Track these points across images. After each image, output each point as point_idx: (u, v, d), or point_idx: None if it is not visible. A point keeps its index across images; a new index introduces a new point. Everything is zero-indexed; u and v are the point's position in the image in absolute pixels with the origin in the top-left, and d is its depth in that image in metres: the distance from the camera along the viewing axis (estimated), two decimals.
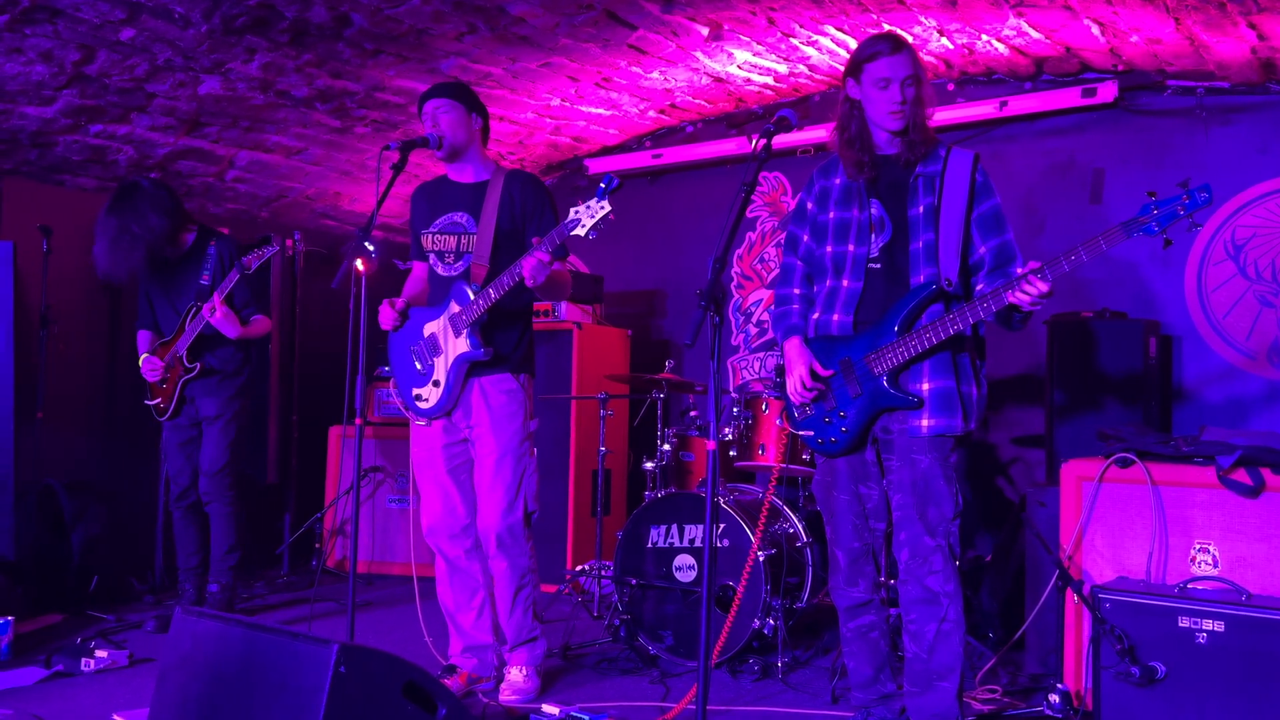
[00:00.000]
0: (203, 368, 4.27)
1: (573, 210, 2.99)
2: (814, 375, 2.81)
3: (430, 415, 3.37)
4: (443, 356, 3.33)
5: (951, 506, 2.72)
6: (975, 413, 2.76)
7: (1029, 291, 2.51)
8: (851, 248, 2.81)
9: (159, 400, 4.35)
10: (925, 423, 2.70)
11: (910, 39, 4.36)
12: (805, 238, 2.95)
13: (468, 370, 3.31)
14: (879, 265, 2.79)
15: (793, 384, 2.86)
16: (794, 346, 2.89)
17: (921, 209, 2.75)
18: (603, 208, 2.94)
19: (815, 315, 2.89)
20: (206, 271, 4.28)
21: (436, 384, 3.34)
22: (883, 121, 2.76)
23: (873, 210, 2.81)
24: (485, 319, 3.26)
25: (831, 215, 2.87)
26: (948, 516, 2.71)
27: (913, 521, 2.72)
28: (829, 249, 2.86)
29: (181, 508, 4.39)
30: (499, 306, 3.24)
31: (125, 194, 4.20)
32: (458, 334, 3.28)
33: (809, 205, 2.95)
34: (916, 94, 2.74)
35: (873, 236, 2.80)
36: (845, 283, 2.81)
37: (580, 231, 2.97)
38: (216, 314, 4.11)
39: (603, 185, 2.95)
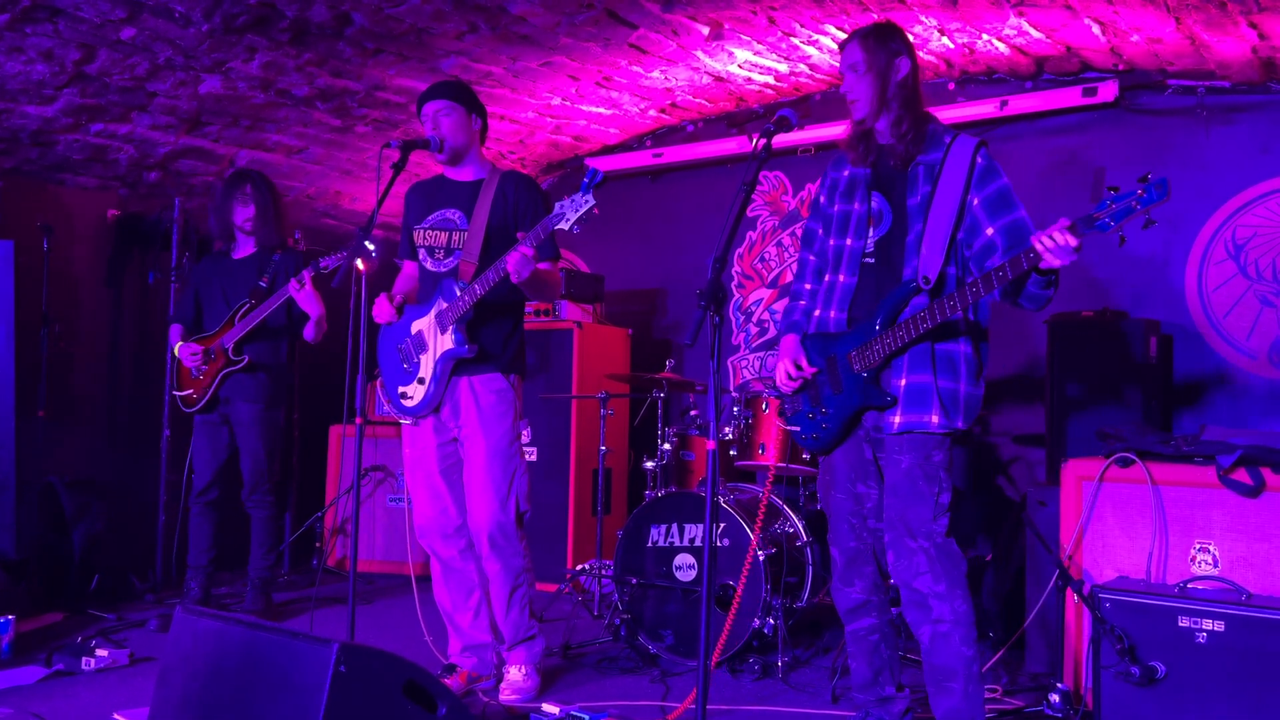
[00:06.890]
0: (249, 361, 4.28)
1: (557, 205, 3.01)
2: (798, 368, 2.82)
3: (415, 413, 3.36)
4: (429, 353, 3.32)
5: (931, 508, 2.65)
6: (962, 410, 2.67)
7: (1053, 241, 2.33)
8: (849, 241, 2.80)
9: (190, 391, 4.35)
10: (897, 419, 2.67)
11: (911, 38, 4.37)
12: (820, 231, 2.93)
13: (453, 368, 3.30)
14: (873, 259, 2.76)
15: (779, 376, 2.89)
16: (787, 342, 2.91)
17: (919, 198, 2.69)
18: (587, 201, 2.95)
19: (816, 312, 2.88)
20: (267, 275, 4.32)
21: (421, 381, 3.33)
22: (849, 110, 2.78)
23: (873, 202, 2.78)
24: (471, 315, 3.25)
25: (836, 208, 2.86)
26: (927, 518, 2.65)
27: (895, 523, 2.70)
28: (831, 242, 2.85)
29: (200, 504, 4.40)
30: (487, 304, 3.23)
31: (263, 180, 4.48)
32: (443, 330, 3.27)
33: (821, 198, 2.94)
34: (875, 81, 2.69)
35: (870, 230, 2.77)
36: (841, 278, 2.80)
37: (564, 225, 2.98)
38: (305, 288, 4.12)
39: (586, 179, 2.96)
